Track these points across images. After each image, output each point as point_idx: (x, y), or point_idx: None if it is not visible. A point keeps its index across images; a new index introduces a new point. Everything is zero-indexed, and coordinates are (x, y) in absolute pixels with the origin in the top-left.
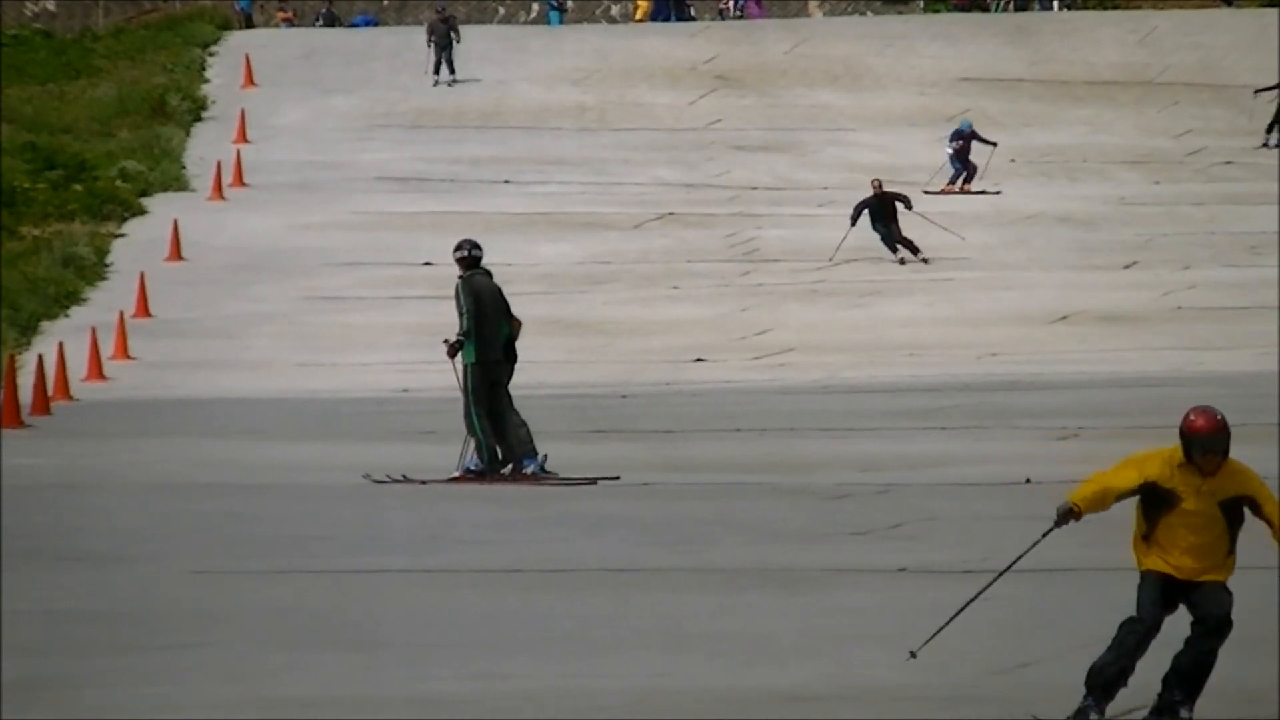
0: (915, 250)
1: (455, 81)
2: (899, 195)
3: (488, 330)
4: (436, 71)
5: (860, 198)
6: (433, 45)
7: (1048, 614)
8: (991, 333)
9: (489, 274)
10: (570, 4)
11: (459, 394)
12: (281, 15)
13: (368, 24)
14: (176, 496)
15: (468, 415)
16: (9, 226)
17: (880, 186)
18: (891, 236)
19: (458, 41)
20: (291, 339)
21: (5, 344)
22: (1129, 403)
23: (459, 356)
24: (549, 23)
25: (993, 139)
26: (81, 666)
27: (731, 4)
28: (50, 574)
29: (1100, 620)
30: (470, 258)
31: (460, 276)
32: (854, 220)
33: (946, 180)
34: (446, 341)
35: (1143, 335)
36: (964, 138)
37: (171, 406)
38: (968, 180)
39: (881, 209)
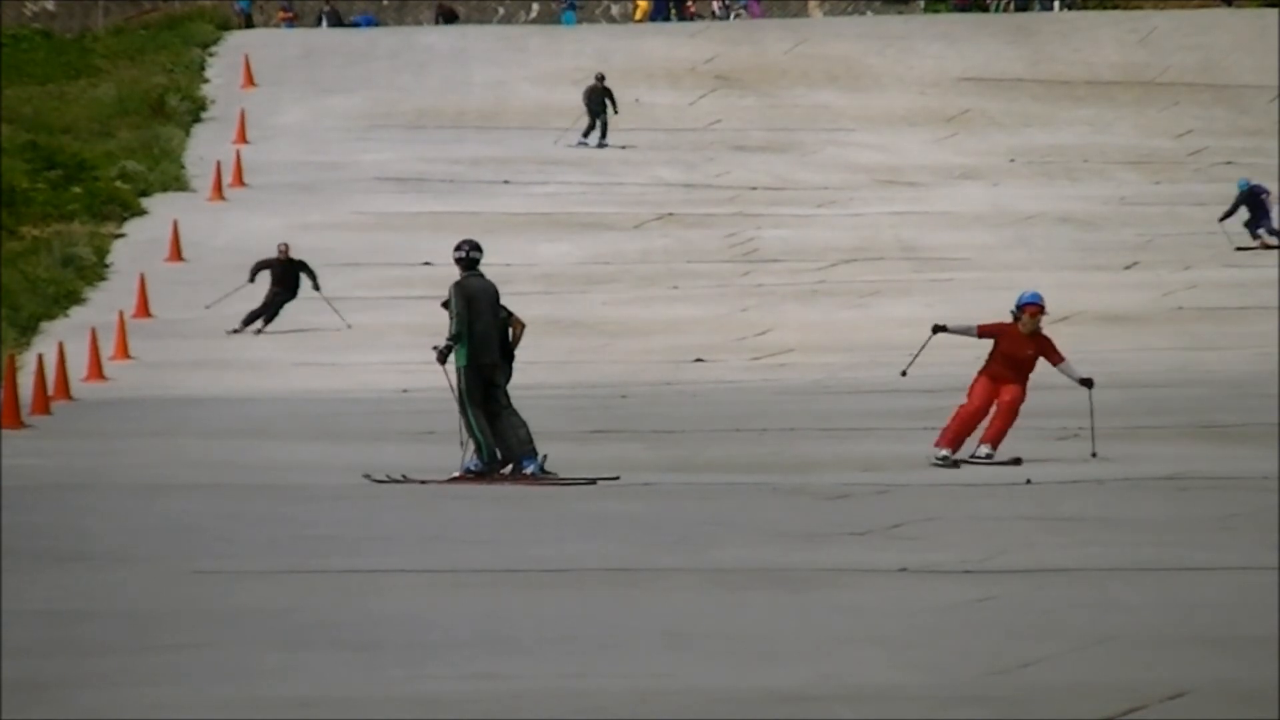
0: (259, 329)
1: (604, 145)
2: (305, 266)
3: (481, 332)
4: (586, 135)
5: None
6: (587, 111)
7: (1048, 614)
8: None
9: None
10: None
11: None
12: (282, 15)
13: (368, 24)
14: (176, 496)
15: (465, 418)
16: (9, 226)
17: (287, 251)
18: (269, 305)
19: (615, 111)
20: (291, 339)
21: (5, 344)
22: (1129, 403)
23: (451, 360)
24: (565, 22)
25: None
26: (81, 666)
27: (717, 6)
28: (50, 574)
29: (1100, 620)
30: (469, 259)
31: (457, 280)
32: (251, 277)
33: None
34: (435, 349)
35: (1143, 335)
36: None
37: (171, 406)
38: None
39: (284, 274)
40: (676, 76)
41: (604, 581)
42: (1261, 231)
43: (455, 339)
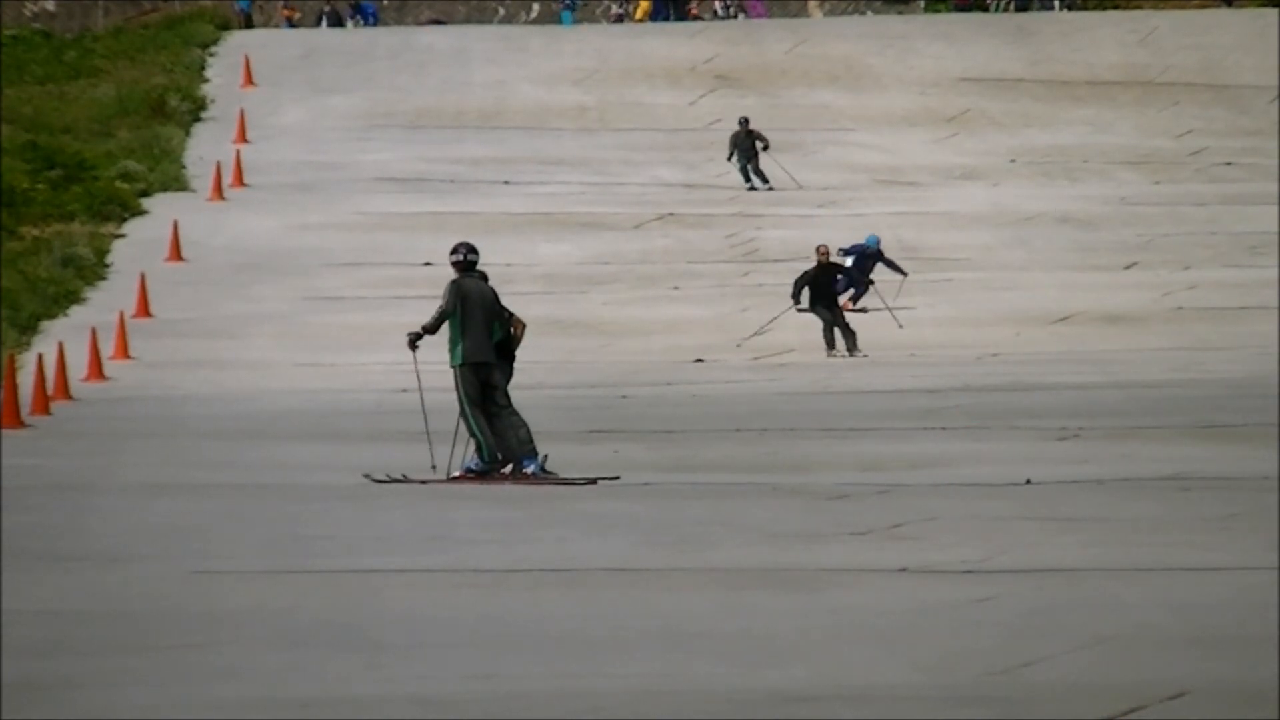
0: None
1: (772, 188)
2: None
3: (475, 333)
4: (747, 180)
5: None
6: (736, 155)
7: (1048, 614)
8: (991, 333)
9: (485, 277)
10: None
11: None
12: (284, 12)
13: (370, 12)
14: (176, 496)
15: (464, 417)
16: (9, 226)
17: (827, 254)
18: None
19: (764, 149)
20: (291, 339)
21: (5, 344)
22: (1129, 403)
23: (448, 360)
24: (562, 22)
25: (905, 269)
26: (81, 666)
27: (719, 5)
28: (50, 574)
29: (1100, 620)
30: (465, 261)
31: (454, 279)
32: (796, 297)
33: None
34: (409, 334)
35: (1143, 336)
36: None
37: (171, 406)
38: (856, 297)
39: (827, 282)
40: (676, 76)
41: (604, 581)
42: (850, 296)
43: (428, 329)
